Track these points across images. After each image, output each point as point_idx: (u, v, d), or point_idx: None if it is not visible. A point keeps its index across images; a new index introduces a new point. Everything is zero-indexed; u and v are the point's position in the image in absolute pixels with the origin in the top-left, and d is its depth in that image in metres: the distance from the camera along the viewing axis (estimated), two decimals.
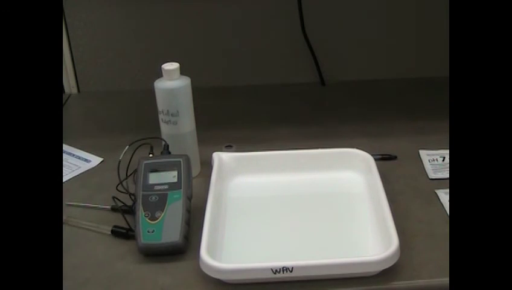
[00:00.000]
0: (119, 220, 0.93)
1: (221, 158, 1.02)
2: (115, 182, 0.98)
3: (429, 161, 1.05)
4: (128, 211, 0.94)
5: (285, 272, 0.78)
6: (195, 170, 1.04)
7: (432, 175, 1.02)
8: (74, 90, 1.43)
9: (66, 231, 0.92)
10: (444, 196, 0.96)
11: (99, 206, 0.98)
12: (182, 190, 0.90)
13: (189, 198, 0.91)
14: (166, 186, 0.91)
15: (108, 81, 1.41)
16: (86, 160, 1.13)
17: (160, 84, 0.99)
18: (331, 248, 0.86)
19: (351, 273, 0.80)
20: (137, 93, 1.29)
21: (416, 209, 0.95)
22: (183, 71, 1.00)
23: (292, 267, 0.78)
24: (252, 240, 0.88)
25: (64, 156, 1.13)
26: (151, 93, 1.01)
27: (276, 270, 0.78)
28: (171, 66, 0.99)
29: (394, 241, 0.81)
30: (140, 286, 0.81)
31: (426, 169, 1.03)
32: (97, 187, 1.03)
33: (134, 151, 0.99)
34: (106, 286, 0.81)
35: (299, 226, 0.90)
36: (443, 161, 1.04)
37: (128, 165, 0.99)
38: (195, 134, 1.04)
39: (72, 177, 1.07)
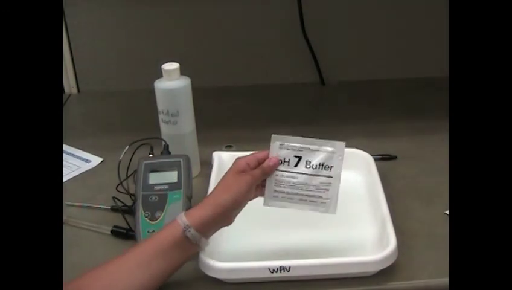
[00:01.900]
0: (119, 220, 0.93)
1: (221, 158, 1.02)
2: (115, 182, 0.98)
3: None
4: (128, 211, 0.94)
5: (282, 271, 0.78)
6: (195, 170, 1.04)
7: None
8: (74, 90, 1.43)
9: (66, 231, 0.92)
10: None
11: (99, 206, 0.98)
12: (182, 190, 0.90)
13: (189, 198, 0.92)
14: (166, 187, 0.91)
15: (108, 81, 1.41)
16: (86, 160, 1.13)
17: (160, 84, 0.99)
18: (330, 247, 0.86)
19: (349, 273, 0.80)
20: (137, 93, 1.29)
21: (416, 209, 0.95)
22: (183, 71, 1.00)
23: (290, 267, 0.78)
24: (251, 239, 0.88)
25: (64, 156, 1.13)
26: (151, 93, 1.01)
27: (273, 270, 0.78)
28: (171, 66, 0.99)
29: (392, 242, 0.81)
30: None
31: None
32: (97, 187, 1.03)
33: (134, 151, 0.99)
34: None
35: (298, 226, 0.90)
36: None
37: (128, 165, 0.99)
38: (195, 134, 1.04)
39: (72, 177, 1.07)
